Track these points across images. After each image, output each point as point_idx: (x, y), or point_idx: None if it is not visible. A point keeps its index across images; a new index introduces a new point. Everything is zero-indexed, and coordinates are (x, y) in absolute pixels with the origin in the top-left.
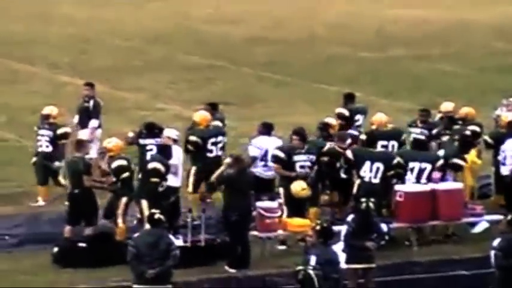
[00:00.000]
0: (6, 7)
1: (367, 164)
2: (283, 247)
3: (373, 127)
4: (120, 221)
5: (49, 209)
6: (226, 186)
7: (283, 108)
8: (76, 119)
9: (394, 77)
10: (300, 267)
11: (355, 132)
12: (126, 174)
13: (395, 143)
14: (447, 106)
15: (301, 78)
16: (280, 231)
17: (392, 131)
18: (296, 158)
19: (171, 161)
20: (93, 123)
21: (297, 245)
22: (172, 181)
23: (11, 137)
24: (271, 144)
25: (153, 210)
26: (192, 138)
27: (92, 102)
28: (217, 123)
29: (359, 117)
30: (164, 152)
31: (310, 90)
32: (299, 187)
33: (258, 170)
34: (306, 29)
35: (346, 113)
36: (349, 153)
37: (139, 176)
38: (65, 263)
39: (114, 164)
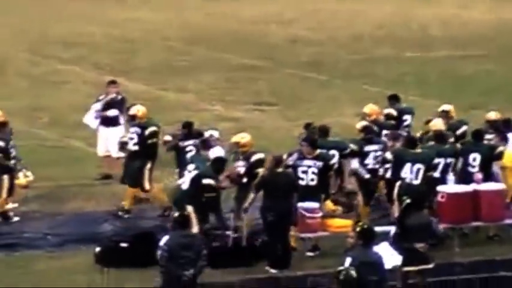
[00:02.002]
0: (51, 8)
1: (408, 165)
2: (311, 254)
3: (373, 117)
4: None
5: (92, 209)
6: (263, 187)
7: (327, 109)
8: (95, 122)
9: (438, 78)
10: (341, 268)
11: (404, 133)
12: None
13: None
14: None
15: (346, 79)
16: (321, 232)
17: (385, 122)
18: (298, 163)
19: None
20: (122, 119)
21: (341, 246)
22: None
23: (53, 137)
24: None
25: (182, 212)
26: (153, 128)
27: (121, 98)
28: None
29: (407, 118)
30: (219, 164)
31: (355, 91)
32: (333, 207)
33: None
34: (351, 29)
35: (395, 113)
36: (388, 154)
37: (182, 179)
38: (107, 262)
39: (255, 158)
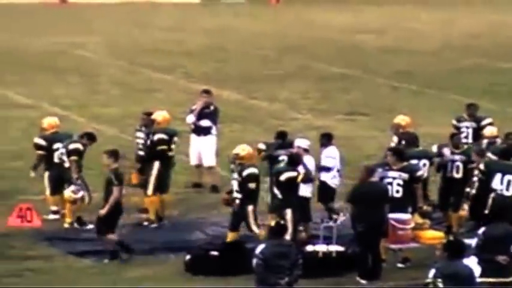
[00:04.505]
0: (145, 16)
1: (498, 176)
2: (402, 265)
3: (406, 129)
4: (255, 228)
5: (182, 217)
6: (355, 198)
7: (418, 119)
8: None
9: None
10: (429, 280)
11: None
12: (254, 185)
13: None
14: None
15: (436, 89)
16: (412, 244)
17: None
18: (384, 174)
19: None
20: (214, 129)
21: (431, 258)
22: (303, 191)
23: None
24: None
25: (278, 221)
26: (163, 136)
27: (213, 108)
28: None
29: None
30: (294, 161)
31: (446, 101)
32: (420, 220)
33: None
34: (442, 39)
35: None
36: (481, 166)
37: (275, 188)
38: (196, 270)
39: (246, 172)
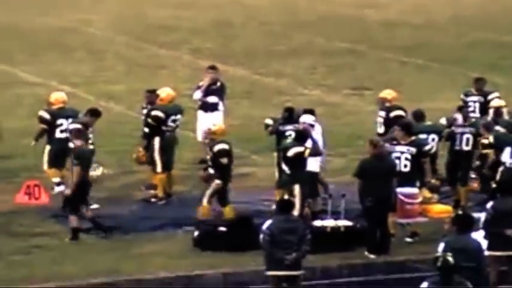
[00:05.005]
0: None
1: (508, 149)
2: (410, 240)
3: (393, 103)
4: (205, 200)
5: (189, 193)
6: (363, 172)
7: (425, 94)
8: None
9: None
10: (439, 254)
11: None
12: (226, 160)
13: None
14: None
15: (444, 63)
16: (420, 218)
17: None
18: (391, 148)
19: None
20: (221, 105)
21: (440, 232)
22: (311, 166)
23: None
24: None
25: (285, 196)
26: (158, 113)
27: (220, 84)
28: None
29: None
30: (302, 137)
31: (453, 75)
32: (428, 194)
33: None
34: (449, 12)
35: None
36: (491, 138)
37: (283, 164)
38: (204, 246)
39: (217, 148)
